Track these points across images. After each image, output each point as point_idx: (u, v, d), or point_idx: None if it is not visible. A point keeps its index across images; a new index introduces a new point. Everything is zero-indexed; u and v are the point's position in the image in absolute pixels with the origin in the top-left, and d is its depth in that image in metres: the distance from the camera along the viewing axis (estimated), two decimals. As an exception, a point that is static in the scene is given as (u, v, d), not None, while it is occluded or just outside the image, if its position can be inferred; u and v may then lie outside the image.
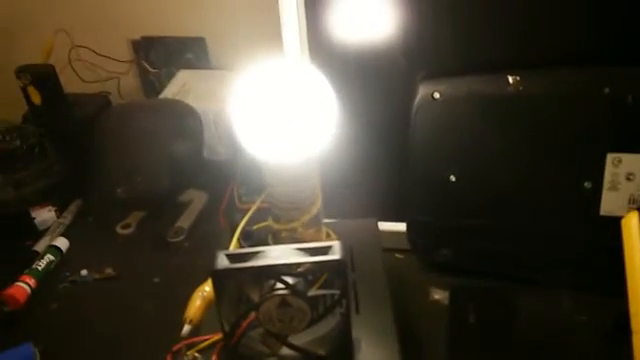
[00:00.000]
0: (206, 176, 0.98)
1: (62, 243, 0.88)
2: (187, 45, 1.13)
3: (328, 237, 0.62)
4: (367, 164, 0.80)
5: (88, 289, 0.81)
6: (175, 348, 0.51)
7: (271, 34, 0.78)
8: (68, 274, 0.84)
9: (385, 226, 0.77)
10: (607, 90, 0.64)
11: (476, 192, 0.73)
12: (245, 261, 0.50)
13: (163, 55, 1.15)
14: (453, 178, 0.73)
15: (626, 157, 0.66)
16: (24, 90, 0.99)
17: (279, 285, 0.49)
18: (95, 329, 0.74)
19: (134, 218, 0.93)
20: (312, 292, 0.51)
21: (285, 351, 0.53)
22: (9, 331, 0.75)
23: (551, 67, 0.67)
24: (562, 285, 0.72)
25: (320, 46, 0.76)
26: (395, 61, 0.73)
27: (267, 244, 0.58)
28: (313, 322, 0.51)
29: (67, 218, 0.94)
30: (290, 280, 0.50)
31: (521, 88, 0.67)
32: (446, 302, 0.70)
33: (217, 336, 0.54)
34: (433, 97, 0.70)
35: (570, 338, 0.67)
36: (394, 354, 0.53)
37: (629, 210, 0.63)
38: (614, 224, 0.56)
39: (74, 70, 1.17)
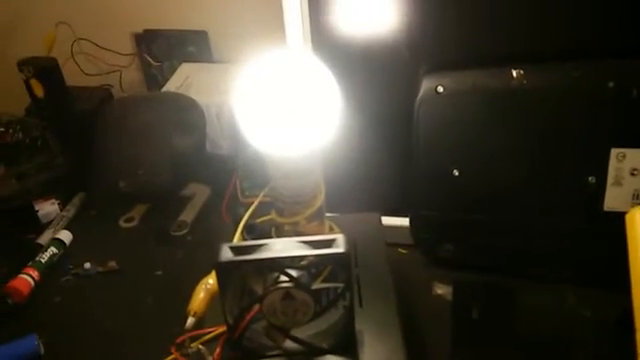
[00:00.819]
0: (209, 170, 0.98)
1: (65, 236, 0.88)
2: (189, 38, 1.13)
3: (331, 230, 0.62)
4: (370, 158, 0.80)
5: (91, 282, 0.82)
6: (179, 340, 0.51)
7: (274, 27, 0.78)
8: (71, 267, 0.84)
9: (388, 221, 0.77)
10: (612, 84, 0.64)
11: (479, 187, 0.73)
12: (248, 254, 0.50)
13: (165, 48, 1.15)
14: (456, 172, 0.72)
15: (630, 152, 0.66)
16: (27, 83, 0.98)
17: (283, 278, 0.49)
18: (98, 322, 0.75)
19: (137, 211, 0.93)
20: (316, 285, 0.51)
21: (288, 344, 0.53)
22: (13, 323, 0.75)
23: (555, 61, 0.67)
24: (566, 280, 0.72)
25: (323, 38, 0.75)
26: (399, 54, 0.73)
27: (270, 237, 0.58)
28: (317, 315, 0.51)
29: (70, 211, 0.94)
30: (294, 273, 0.50)
31: (525, 82, 0.67)
32: (449, 297, 0.70)
33: (221, 329, 0.54)
34: (437, 91, 0.70)
35: (574, 334, 0.66)
36: (397, 347, 0.53)
37: (633, 205, 0.63)
38: (618, 219, 0.56)
39: (76, 63, 1.17)
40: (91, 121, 0.97)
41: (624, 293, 0.53)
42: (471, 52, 0.71)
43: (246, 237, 0.61)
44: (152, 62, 1.16)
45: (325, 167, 0.59)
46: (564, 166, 0.69)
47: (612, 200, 0.68)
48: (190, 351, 0.48)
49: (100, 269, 0.83)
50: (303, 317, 0.51)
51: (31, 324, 0.74)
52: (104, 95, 1.08)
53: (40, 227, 0.91)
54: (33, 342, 0.70)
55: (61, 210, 0.94)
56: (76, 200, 0.96)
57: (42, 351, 0.70)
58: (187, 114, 0.92)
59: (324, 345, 0.53)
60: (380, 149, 0.79)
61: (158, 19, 1.14)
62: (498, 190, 0.72)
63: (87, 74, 1.18)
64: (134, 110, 0.91)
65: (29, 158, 0.94)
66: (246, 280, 0.52)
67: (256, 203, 0.62)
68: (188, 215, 0.91)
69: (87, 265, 0.83)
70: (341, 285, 0.51)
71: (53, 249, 0.85)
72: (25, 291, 0.78)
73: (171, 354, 0.55)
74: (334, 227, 0.63)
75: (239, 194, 0.86)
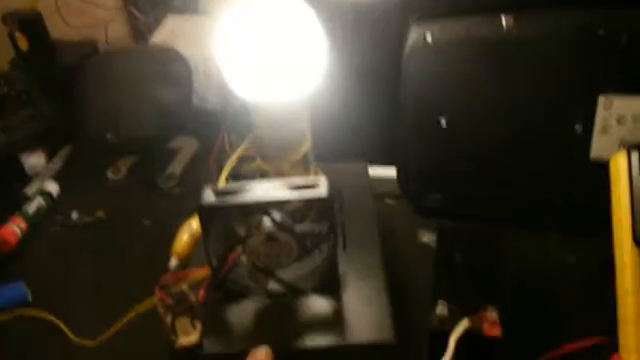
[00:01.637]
0: (196, 123, 0.97)
1: (52, 188, 0.88)
2: (175, -10, 1.10)
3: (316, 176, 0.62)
4: (358, 109, 0.79)
5: (79, 232, 0.82)
6: (163, 281, 0.51)
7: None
8: (59, 218, 0.84)
9: (376, 172, 0.77)
10: (601, 31, 0.63)
11: (467, 137, 0.72)
12: (232, 196, 0.50)
13: (151, 1, 1.12)
14: (444, 122, 0.72)
15: (618, 100, 0.66)
16: (11, 36, 0.97)
17: (266, 220, 0.50)
18: (86, 270, 0.75)
19: (125, 164, 0.93)
20: (299, 227, 0.51)
21: (272, 286, 0.53)
22: (1, 272, 0.75)
23: (545, 8, 0.66)
24: (551, 229, 0.73)
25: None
26: (388, 1, 0.72)
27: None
28: (300, 257, 0.51)
29: (57, 163, 0.93)
30: (277, 215, 0.50)
31: (514, 30, 0.66)
32: (434, 245, 0.70)
33: (205, 271, 0.54)
34: (425, 39, 0.69)
35: (558, 278, 0.67)
36: (380, 289, 0.53)
37: (619, 152, 0.63)
38: (604, 168, 0.56)
39: (61, 17, 1.14)
40: (77, 74, 0.95)
41: (608, 240, 0.54)
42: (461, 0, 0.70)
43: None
44: (138, 15, 1.14)
45: (312, 117, 0.59)
46: (551, 114, 0.68)
47: (598, 148, 0.68)
48: (173, 291, 0.49)
49: (88, 219, 0.83)
50: (286, 259, 0.51)
51: (19, 273, 0.74)
52: (89, 49, 1.06)
53: (27, 179, 0.91)
54: (21, 289, 0.70)
55: (48, 162, 0.93)
56: (63, 152, 0.96)
57: (30, 298, 0.70)
58: (172, 66, 0.90)
59: (307, 287, 0.53)
60: (368, 99, 0.78)
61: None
62: (485, 140, 0.72)
63: (72, 27, 1.15)
64: (119, 62, 0.90)
65: (15, 111, 0.93)
66: (230, 223, 0.52)
67: (242, 148, 0.61)
68: (176, 167, 0.91)
69: (74, 215, 0.83)
70: (324, 227, 0.51)
71: (40, 200, 0.84)
72: (12, 240, 0.78)
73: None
74: (319, 173, 0.62)
75: (227, 147, 0.86)
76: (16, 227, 0.80)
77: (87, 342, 0.63)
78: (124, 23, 1.18)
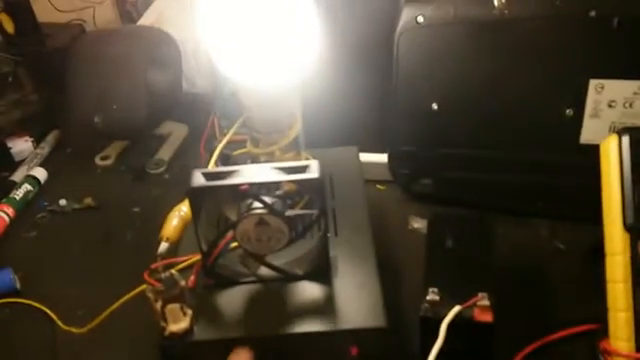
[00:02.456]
0: (186, 108, 0.96)
1: (40, 173, 0.87)
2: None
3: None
4: (349, 92, 0.79)
5: (67, 219, 0.81)
6: (152, 266, 0.51)
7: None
8: (47, 204, 0.83)
9: (367, 157, 0.77)
10: (593, 13, 0.63)
11: (458, 121, 0.72)
12: (222, 179, 0.49)
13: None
14: (435, 107, 0.72)
15: (609, 84, 0.65)
16: (-4, 18, 0.95)
17: (257, 204, 0.49)
18: (75, 257, 0.74)
19: (113, 150, 0.92)
20: (290, 212, 0.50)
21: (263, 271, 0.53)
22: (-12, 259, 0.74)
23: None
24: (541, 214, 0.73)
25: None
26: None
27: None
28: (291, 242, 0.51)
29: (45, 149, 0.92)
30: (268, 199, 0.49)
31: (506, 12, 0.66)
32: (425, 231, 0.70)
33: (195, 257, 0.54)
34: (417, 21, 0.68)
35: (547, 262, 0.68)
36: (371, 274, 0.53)
37: (610, 136, 0.63)
38: (594, 152, 0.56)
39: (48, -1, 1.13)
40: (64, 57, 0.94)
41: (598, 226, 0.54)
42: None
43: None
44: (126, -3, 1.12)
45: (303, 102, 0.58)
46: (543, 98, 0.68)
47: (589, 132, 0.68)
48: (163, 276, 0.48)
49: (76, 206, 0.82)
50: (277, 244, 0.50)
51: (6, 260, 0.73)
52: (77, 31, 1.04)
53: (14, 165, 0.89)
54: (9, 276, 0.69)
55: (35, 148, 0.92)
56: (50, 137, 0.94)
57: (18, 285, 0.70)
58: (160, 48, 0.89)
59: (298, 271, 0.53)
60: (359, 83, 0.78)
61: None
62: (477, 124, 0.72)
63: (60, 10, 1.14)
64: (106, 43, 0.88)
65: (0, 95, 0.91)
66: (220, 207, 0.52)
67: (232, 132, 0.61)
68: (165, 153, 0.90)
69: (63, 202, 0.82)
70: (315, 212, 0.51)
71: (27, 186, 0.83)
72: (0, 227, 0.77)
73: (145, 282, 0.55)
74: (310, 157, 0.62)
75: (217, 133, 0.85)
76: (3, 214, 0.78)
77: (76, 330, 0.63)
78: (112, 6, 1.16)
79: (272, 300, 0.52)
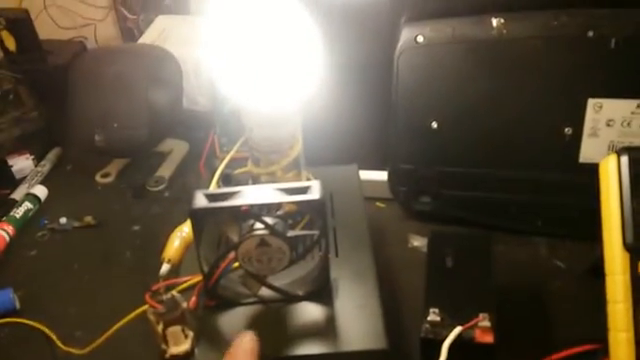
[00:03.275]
0: (186, 126, 0.97)
1: (40, 191, 0.87)
2: (166, -10, 1.10)
3: (308, 181, 0.62)
4: (349, 111, 0.79)
5: (67, 237, 0.81)
6: (154, 287, 0.51)
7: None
8: (47, 222, 0.82)
9: (367, 175, 0.77)
10: (591, 33, 0.63)
11: (457, 139, 0.73)
12: (224, 201, 0.49)
13: (140, 0, 1.11)
14: (435, 125, 0.72)
15: (607, 103, 0.66)
16: (-2, 35, 0.96)
17: (258, 225, 0.49)
18: (75, 276, 0.74)
19: (114, 167, 0.92)
20: (291, 232, 0.51)
21: (264, 292, 0.53)
22: (-12, 277, 0.74)
23: (535, 10, 0.66)
24: (541, 233, 0.73)
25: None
26: (379, 3, 0.71)
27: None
28: (292, 263, 0.51)
29: (45, 166, 0.92)
30: (269, 220, 0.49)
31: (505, 32, 0.66)
32: (425, 249, 0.70)
33: (197, 278, 0.54)
34: (416, 41, 0.69)
35: (547, 282, 0.67)
36: (373, 295, 0.53)
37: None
38: (593, 171, 0.56)
39: (49, 16, 1.14)
40: (65, 74, 0.94)
41: (598, 244, 0.54)
42: (451, 1, 0.70)
43: (222, 186, 0.61)
44: (128, 15, 1.13)
45: (303, 120, 0.59)
46: (541, 117, 0.69)
47: (588, 151, 0.68)
48: (164, 298, 0.48)
49: (76, 224, 0.82)
50: (278, 264, 0.51)
51: (6, 279, 0.73)
52: (78, 48, 1.05)
53: (14, 182, 0.89)
54: (8, 296, 0.69)
55: (36, 165, 0.92)
56: (51, 155, 0.94)
57: (18, 305, 0.69)
58: (162, 66, 0.89)
59: (300, 292, 0.53)
60: (359, 101, 0.78)
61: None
62: (476, 143, 0.72)
63: (61, 27, 1.15)
64: (107, 61, 0.88)
65: (1, 112, 0.92)
66: (222, 228, 0.52)
67: (233, 152, 0.61)
68: (165, 171, 0.90)
69: (63, 220, 0.82)
70: (316, 232, 0.51)
71: (28, 204, 0.83)
72: (0, 245, 0.77)
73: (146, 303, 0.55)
74: (311, 177, 0.62)
75: (217, 150, 0.85)
76: (3, 232, 0.78)
77: (76, 350, 0.62)
78: (113, 23, 1.17)
79: (273, 321, 0.52)
